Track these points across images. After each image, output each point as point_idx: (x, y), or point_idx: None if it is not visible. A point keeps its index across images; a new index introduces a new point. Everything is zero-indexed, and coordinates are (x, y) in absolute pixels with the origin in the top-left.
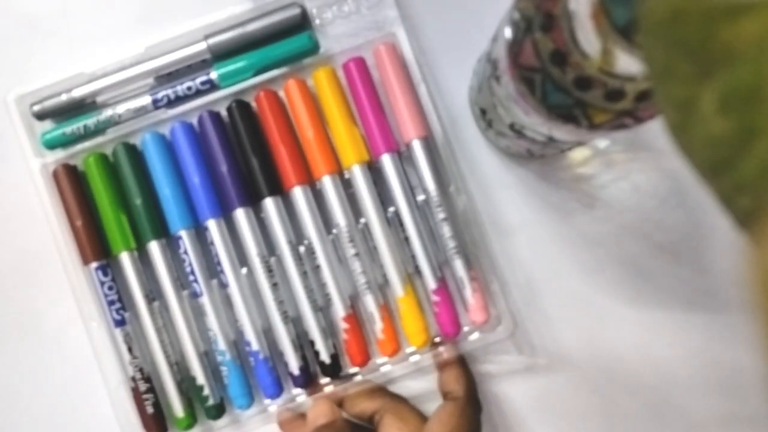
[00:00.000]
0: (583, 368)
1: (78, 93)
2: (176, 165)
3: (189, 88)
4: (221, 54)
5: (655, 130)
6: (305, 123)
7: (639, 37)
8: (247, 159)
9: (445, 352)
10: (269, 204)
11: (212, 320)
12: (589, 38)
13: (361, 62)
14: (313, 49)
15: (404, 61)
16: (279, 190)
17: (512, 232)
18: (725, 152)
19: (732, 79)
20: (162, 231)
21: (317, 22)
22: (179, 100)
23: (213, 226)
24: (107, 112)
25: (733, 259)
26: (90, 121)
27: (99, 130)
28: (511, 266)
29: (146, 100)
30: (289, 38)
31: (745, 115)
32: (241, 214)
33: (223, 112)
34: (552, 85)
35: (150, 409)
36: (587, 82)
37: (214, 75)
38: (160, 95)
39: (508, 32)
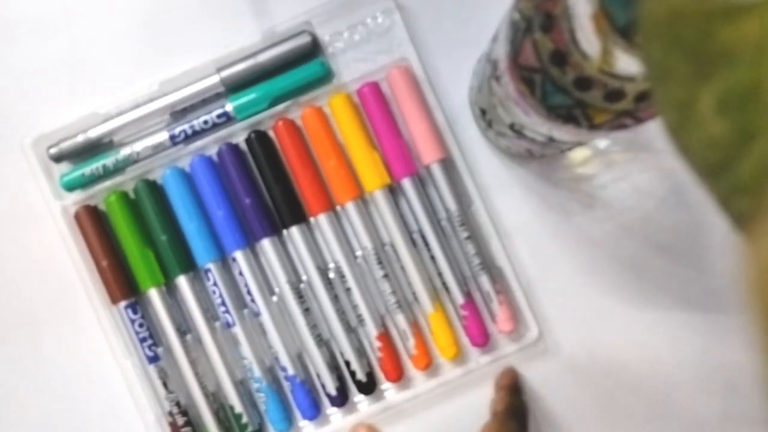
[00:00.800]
0: (583, 368)
1: (94, 133)
2: (199, 199)
3: (206, 122)
4: (235, 86)
5: (655, 130)
6: (325, 150)
7: (638, 37)
8: (269, 189)
9: (502, 378)
10: (295, 233)
11: (246, 349)
12: (589, 38)
13: (375, 87)
14: (327, 76)
15: (418, 83)
16: (303, 217)
17: (512, 232)
18: (723, 153)
19: (730, 80)
20: (189, 265)
21: (329, 50)
22: (196, 134)
23: (240, 257)
24: (125, 151)
25: (733, 259)
26: (108, 160)
27: (118, 169)
28: (511, 266)
29: (163, 136)
30: (301, 66)
31: (743, 116)
32: (267, 244)
33: (242, 144)
34: (552, 86)
35: None
36: (587, 82)
37: (229, 107)
38: (177, 131)
39: (508, 32)
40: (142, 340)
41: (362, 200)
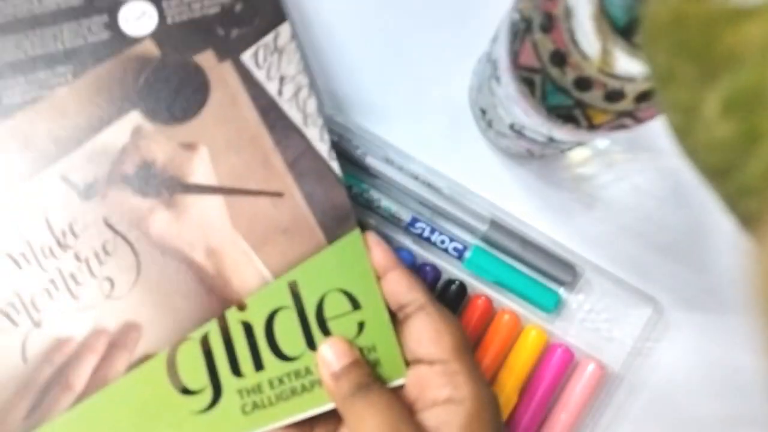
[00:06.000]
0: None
1: (370, 162)
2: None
3: (443, 242)
4: (489, 242)
5: (655, 131)
6: (491, 352)
7: (642, 40)
8: None
9: (374, 250)
10: None
11: None
12: (589, 39)
13: (569, 356)
14: (550, 310)
15: (600, 389)
16: None
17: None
18: (729, 155)
19: (735, 82)
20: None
21: (572, 303)
22: (427, 241)
23: None
24: (373, 197)
25: (734, 259)
26: (356, 188)
27: (353, 195)
28: None
29: (407, 214)
30: (541, 285)
31: (748, 118)
32: None
33: (444, 277)
34: (552, 86)
35: None
36: (587, 82)
37: (467, 253)
38: (418, 225)
39: (508, 32)
40: None
41: None
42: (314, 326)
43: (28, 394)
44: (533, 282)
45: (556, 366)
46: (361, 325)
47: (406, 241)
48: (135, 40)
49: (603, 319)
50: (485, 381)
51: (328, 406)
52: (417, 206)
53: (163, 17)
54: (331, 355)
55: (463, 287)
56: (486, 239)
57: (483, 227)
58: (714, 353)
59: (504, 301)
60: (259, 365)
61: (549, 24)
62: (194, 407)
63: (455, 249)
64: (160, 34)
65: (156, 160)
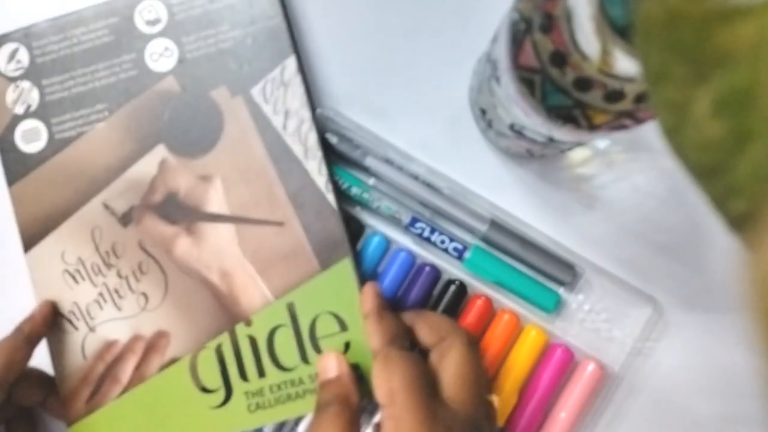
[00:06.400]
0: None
1: (370, 162)
2: (373, 275)
3: (442, 242)
4: (489, 242)
5: (655, 131)
6: (491, 352)
7: (635, 39)
8: None
9: (364, 302)
10: None
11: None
12: (588, 39)
13: (569, 356)
14: (550, 310)
15: (600, 389)
16: None
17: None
18: (719, 155)
19: (727, 82)
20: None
21: (572, 303)
22: (427, 241)
23: None
24: (373, 197)
25: (733, 260)
26: (356, 189)
27: (351, 194)
28: None
29: (406, 215)
30: (541, 286)
31: (739, 118)
32: None
33: (444, 277)
34: (552, 86)
35: None
36: (587, 83)
37: (467, 253)
38: (418, 225)
39: (508, 33)
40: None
41: None
42: (307, 343)
43: (89, 384)
44: (533, 282)
45: (556, 366)
46: (347, 345)
47: (406, 241)
48: (159, 76)
49: (603, 319)
50: (428, 424)
51: None
52: (417, 206)
53: (183, 52)
54: (322, 366)
55: (463, 287)
56: (486, 239)
57: (483, 227)
58: (714, 353)
59: (504, 301)
60: (261, 372)
61: (549, 24)
62: (210, 403)
63: (455, 249)
64: (180, 70)
65: (179, 190)
